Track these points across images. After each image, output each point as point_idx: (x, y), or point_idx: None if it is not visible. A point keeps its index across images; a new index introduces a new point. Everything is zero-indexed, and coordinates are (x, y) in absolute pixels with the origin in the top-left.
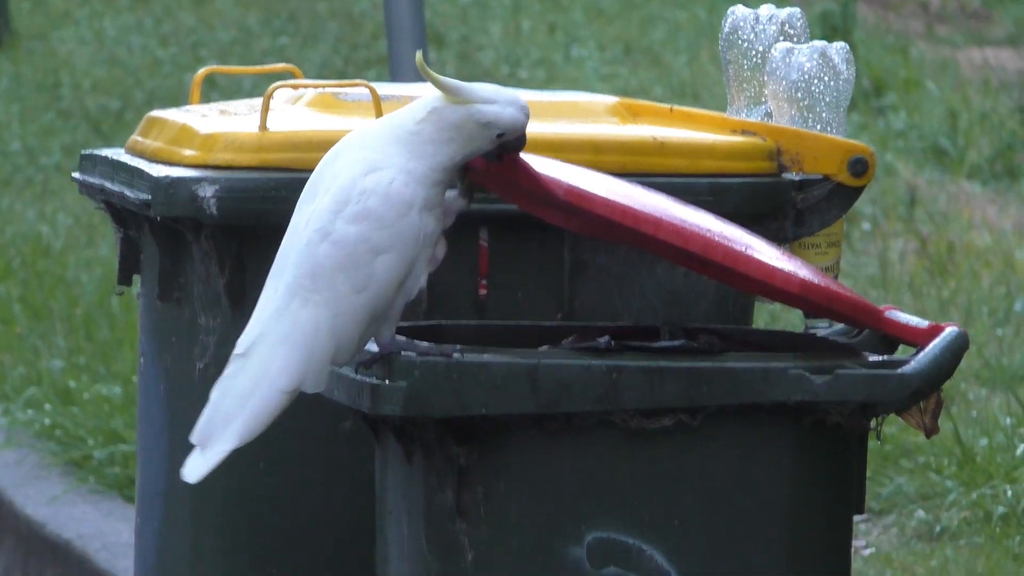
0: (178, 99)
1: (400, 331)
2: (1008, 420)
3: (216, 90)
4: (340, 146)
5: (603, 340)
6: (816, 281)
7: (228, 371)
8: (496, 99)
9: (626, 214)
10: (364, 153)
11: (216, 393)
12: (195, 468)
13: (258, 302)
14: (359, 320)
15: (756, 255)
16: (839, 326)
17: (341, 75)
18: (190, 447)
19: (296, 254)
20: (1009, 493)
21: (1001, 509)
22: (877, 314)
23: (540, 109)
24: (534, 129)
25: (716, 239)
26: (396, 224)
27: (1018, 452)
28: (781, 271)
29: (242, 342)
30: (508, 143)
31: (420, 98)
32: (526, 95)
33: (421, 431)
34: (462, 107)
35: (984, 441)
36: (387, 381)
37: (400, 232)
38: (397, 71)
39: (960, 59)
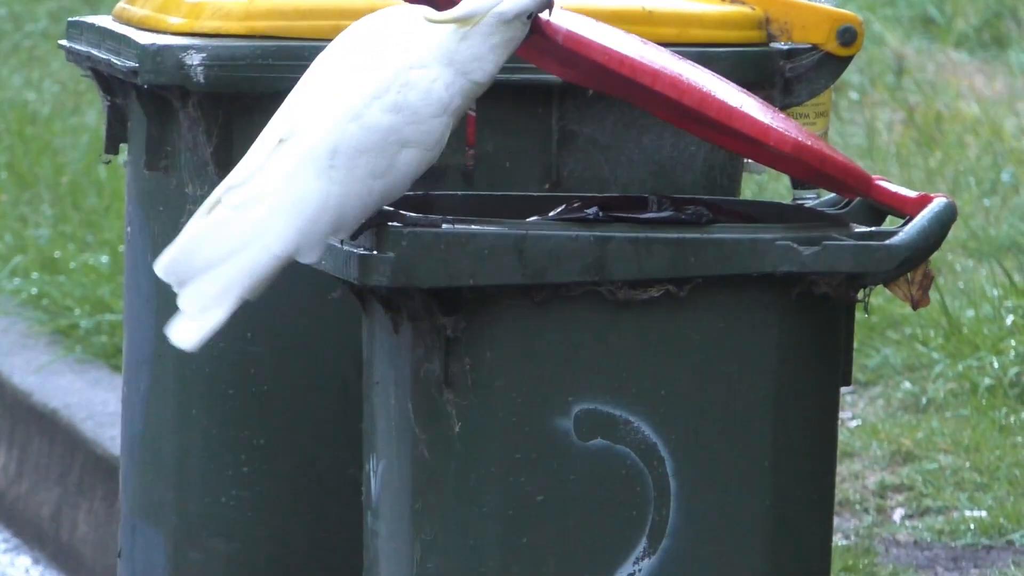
0: None
1: None
2: (995, 291)
3: None
4: (383, 24)
5: (591, 211)
6: (809, 143)
7: (215, 216)
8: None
9: (623, 63)
10: (412, 44)
11: (193, 231)
12: (186, 334)
13: (251, 151)
14: (368, 204)
15: (751, 113)
16: (827, 197)
17: None
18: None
19: (319, 124)
20: (995, 364)
21: (987, 380)
22: (867, 180)
23: None
24: None
25: (712, 95)
26: (427, 122)
27: (1005, 323)
28: (775, 130)
29: (233, 193)
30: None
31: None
32: None
33: (408, 301)
34: (485, 19)
35: (971, 312)
36: (375, 251)
37: (429, 131)
38: None
39: None
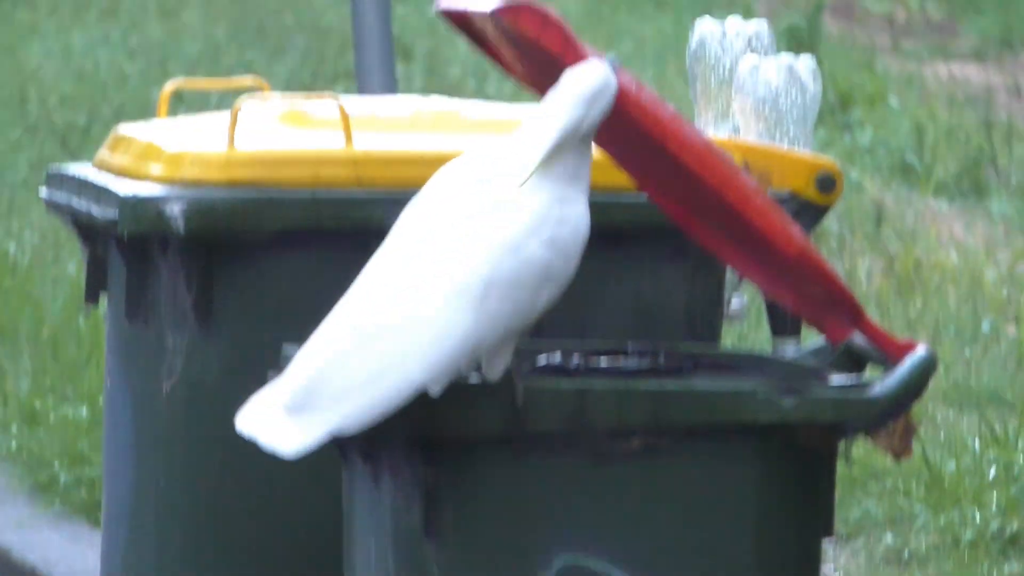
0: (146, 113)
1: None
2: (976, 442)
3: (183, 103)
4: (499, 157)
5: (573, 362)
6: (814, 253)
7: (343, 346)
8: (584, 104)
9: (657, 122)
10: (547, 182)
11: (318, 361)
12: (291, 439)
13: (374, 276)
14: (505, 339)
15: (766, 206)
16: (807, 347)
17: (309, 88)
18: (156, 467)
19: (472, 255)
20: (977, 518)
21: (969, 534)
22: (860, 310)
23: (508, 124)
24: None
25: (734, 176)
26: (572, 259)
27: (987, 475)
28: (784, 231)
29: (359, 320)
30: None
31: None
32: (493, 110)
33: (388, 451)
34: (580, 126)
35: (952, 464)
36: None
37: (571, 268)
38: (364, 84)
39: (926, 73)
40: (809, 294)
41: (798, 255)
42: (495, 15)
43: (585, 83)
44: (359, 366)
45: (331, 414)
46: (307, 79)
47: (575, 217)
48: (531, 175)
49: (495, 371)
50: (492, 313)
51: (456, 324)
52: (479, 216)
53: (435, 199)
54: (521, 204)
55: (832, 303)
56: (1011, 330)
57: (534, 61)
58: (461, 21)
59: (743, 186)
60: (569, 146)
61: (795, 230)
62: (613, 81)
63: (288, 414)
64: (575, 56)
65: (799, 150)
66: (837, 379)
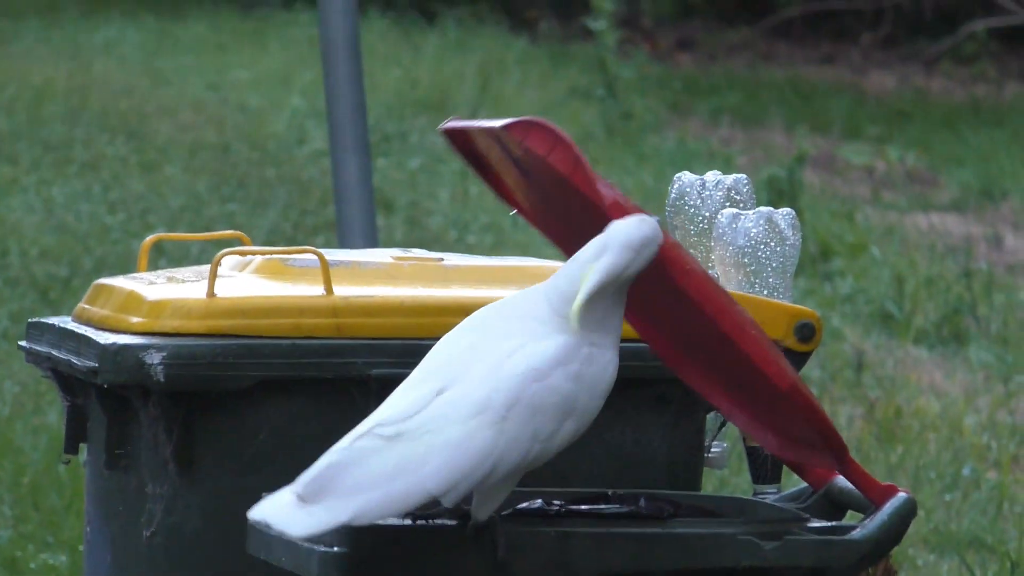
0: (127, 266)
1: None
2: None
3: (164, 256)
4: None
5: (555, 505)
6: (805, 388)
7: (361, 444)
8: (632, 250)
9: (665, 251)
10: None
11: (337, 458)
12: (300, 522)
13: (397, 397)
14: (520, 465)
15: (761, 339)
16: (787, 492)
17: (290, 240)
18: None
19: (498, 376)
20: None
21: None
22: (845, 449)
23: (488, 274)
24: (483, 294)
25: (730, 306)
26: (596, 401)
27: None
28: (777, 364)
29: (387, 426)
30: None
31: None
32: (473, 260)
33: None
34: (623, 274)
35: None
36: (334, 548)
37: (595, 408)
38: (346, 236)
39: (906, 224)
40: (795, 433)
41: (790, 388)
42: (506, 130)
43: (636, 234)
44: (376, 465)
45: (342, 506)
46: (288, 232)
47: (604, 360)
48: (577, 315)
49: (485, 511)
50: (511, 435)
51: (475, 439)
52: (508, 335)
53: (469, 328)
54: (552, 337)
55: (818, 443)
56: (991, 475)
57: (539, 183)
58: (464, 142)
59: (739, 316)
60: (608, 292)
61: (787, 364)
62: (660, 237)
63: (300, 503)
64: (584, 177)
65: (779, 299)
66: (818, 523)
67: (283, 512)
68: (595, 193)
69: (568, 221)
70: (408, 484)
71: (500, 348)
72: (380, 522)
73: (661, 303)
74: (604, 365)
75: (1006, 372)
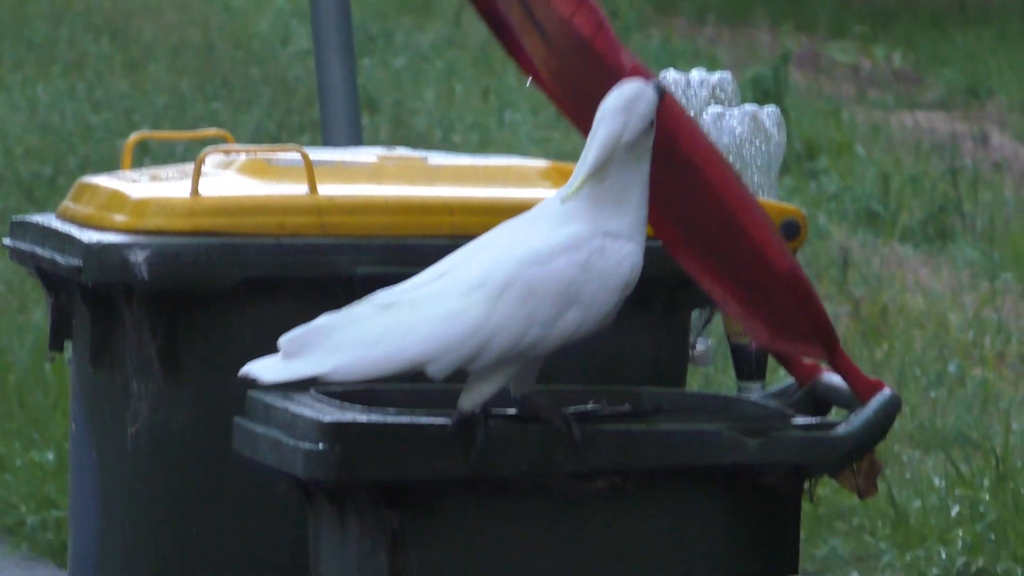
0: (111, 165)
1: (331, 395)
2: (941, 482)
3: (149, 155)
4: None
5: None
6: (802, 272)
7: (355, 311)
8: (622, 112)
9: (678, 124)
10: (594, 211)
11: (330, 320)
12: (269, 369)
13: (410, 280)
14: (513, 348)
15: (764, 221)
16: (771, 390)
17: (274, 140)
18: (122, 512)
19: (498, 259)
20: (943, 555)
21: (935, 571)
22: (836, 338)
23: (473, 173)
24: (467, 193)
25: (739, 186)
26: (607, 295)
27: (952, 514)
28: (779, 247)
29: (384, 296)
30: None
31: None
32: (458, 159)
33: (354, 495)
34: (620, 136)
35: (918, 503)
36: (320, 445)
37: (605, 303)
38: (330, 135)
39: (892, 122)
40: (787, 323)
41: (789, 272)
42: None
43: (623, 96)
44: (363, 329)
45: (320, 360)
46: (273, 131)
47: (619, 254)
48: (577, 188)
49: (471, 400)
50: (505, 314)
51: (466, 313)
52: (520, 230)
53: (499, 226)
54: (562, 224)
55: (809, 333)
56: (977, 372)
57: (559, 48)
58: (486, 3)
59: (746, 196)
60: (616, 161)
61: (788, 249)
62: (650, 92)
63: (283, 357)
64: (606, 41)
65: (764, 197)
66: (802, 420)
67: (264, 364)
68: (616, 59)
69: (585, 92)
70: (390, 348)
71: (508, 239)
72: (362, 418)
73: (667, 179)
74: (619, 259)
75: (991, 269)
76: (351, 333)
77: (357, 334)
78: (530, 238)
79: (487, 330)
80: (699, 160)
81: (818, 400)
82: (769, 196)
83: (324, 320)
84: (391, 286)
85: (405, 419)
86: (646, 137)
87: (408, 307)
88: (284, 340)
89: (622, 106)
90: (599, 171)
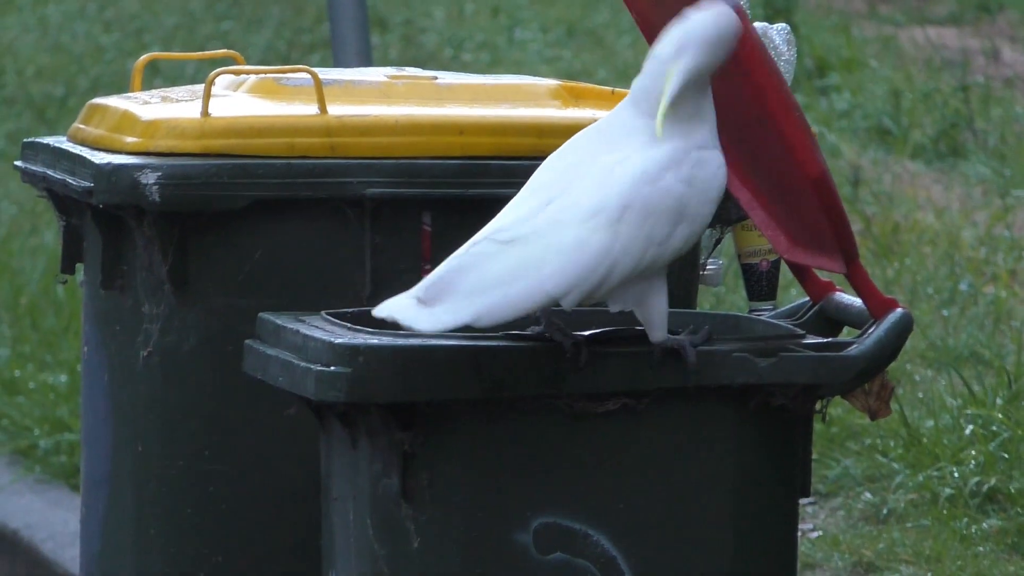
0: (122, 85)
1: (341, 317)
2: (954, 401)
3: (159, 76)
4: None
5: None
6: (831, 181)
7: (477, 249)
8: (712, 44)
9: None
10: (680, 125)
11: (455, 263)
12: (425, 320)
13: (510, 207)
14: (634, 268)
15: (801, 123)
16: (783, 309)
17: (284, 59)
18: (133, 433)
19: (607, 182)
20: (956, 474)
21: (948, 491)
22: (855, 248)
23: (483, 93)
24: (477, 113)
25: (780, 87)
26: (707, 207)
27: (965, 433)
28: (812, 151)
29: (502, 232)
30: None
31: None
32: (467, 79)
33: (365, 417)
34: (704, 71)
35: (930, 423)
36: (331, 367)
37: (708, 212)
38: (340, 55)
39: (902, 38)
40: (809, 230)
41: (819, 176)
42: None
43: (714, 30)
44: (495, 268)
45: (463, 307)
46: (283, 50)
47: (713, 161)
48: (662, 119)
49: (657, 328)
50: (627, 237)
51: (591, 242)
52: (607, 147)
53: (568, 150)
54: (660, 143)
55: (829, 243)
56: (989, 290)
57: None
58: None
59: (786, 96)
60: (691, 91)
61: (820, 154)
62: (736, 22)
63: (421, 305)
64: None
65: None
66: (813, 340)
67: (408, 311)
68: None
69: None
70: (527, 285)
71: (606, 160)
72: (372, 340)
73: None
74: (715, 168)
75: (1003, 186)
76: (482, 273)
77: (489, 274)
78: (632, 157)
79: (613, 254)
80: (744, 56)
81: (829, 320)
82: None
83: (453, 263)
84: (498, 218)
85: (415, 341)
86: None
87: (531, 242)
88: (420, 289)
89: (713, 41)
90: (680, 100)
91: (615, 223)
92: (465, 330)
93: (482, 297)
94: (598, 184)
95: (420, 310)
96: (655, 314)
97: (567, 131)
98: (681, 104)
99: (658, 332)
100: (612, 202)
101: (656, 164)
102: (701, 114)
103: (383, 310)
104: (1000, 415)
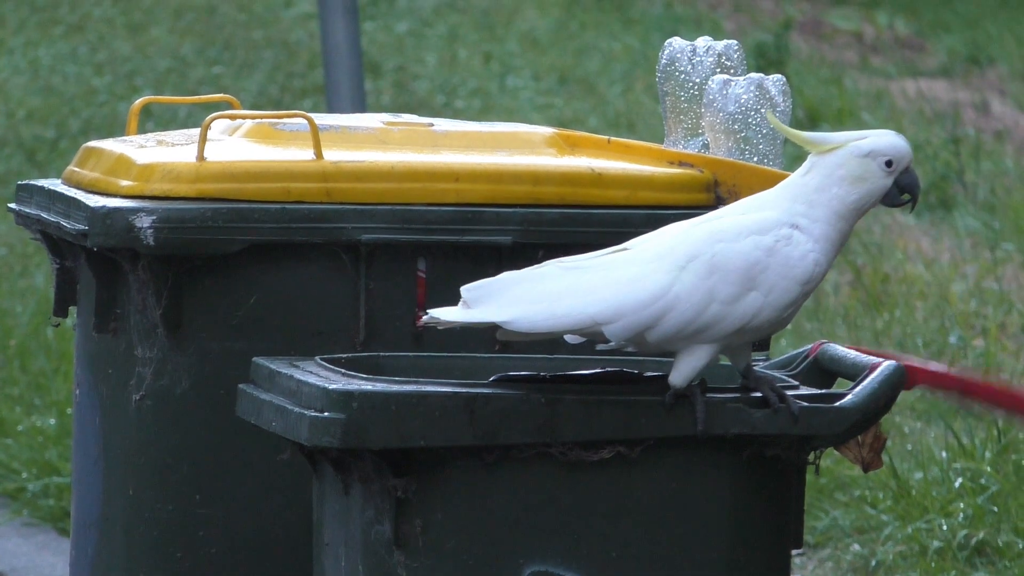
0: (113, 128)
1: (336, 363)
2: (943, 454)
3: (152, 119)
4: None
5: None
6: None
7: (539, 270)
8: (867, 133)
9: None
10: (789, 204)
11: (515, 274)
12: (456, 314)
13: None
14: (689, 322)
15: None
16: (776, 360)
17: (277, 104)
18: (125, 477)
19: (685, 233)
20: (944, 527)
21: (937, 543)
22: None
23: (479, 140)
24: (473, 160)
25: None
26: (789, 284)
27: (954, 486)
28: None
29: (570, 260)
30: (903, 179)
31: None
32: (463, 126)
33: (359, 462)
34: (840, 149)
35: (919, 474)
36: (325, 412)
37: (786, 292)
38: (334, 100)
39: (894, 90)
40: None
41: None
42: None
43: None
44: (549, 286)
45: (502, 309)
46: (276, 95)
47: (805, 247)
48: (807, 140)
49: (680, 375)
50: (687, 284)
51: (649, 279)
52: (709, 217)
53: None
54: (752, 210)
55: None
56: (978, 343)
57: None
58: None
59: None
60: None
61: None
62: (905, 151)
63: (464, 306)
64: None
65: (769, 166)
66: (807, 391)
67: (445, 309)
68: None
69: None
70: (573, 304)
71: (697, 222)
72: (367, 387)
73: None
74: (804, 252)
75: (993, 239)
76: (534, 287)
77: (540, 289)
78: (721, 219)
79: (668, 298)
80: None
81: (823, 370)
82: (775, 165)
83: (508, 275)
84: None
85: (410, 388)
86: (870, 190)
87: (592, 270)
88: (466, 289)
89: (875, 132)
90: (820, 146)
91: (678, 269)
92: (491, 329)
93: (526, 306)
94: (676, 235)
95: (459, 308)
96: (687, 365)
97: (563, 179)
98: (801, 182)
99: (677, 376)
100: (680, 249)
101: (738, 226)
102: (820, 204)
103: (430, 314)
104: (989, 468)
